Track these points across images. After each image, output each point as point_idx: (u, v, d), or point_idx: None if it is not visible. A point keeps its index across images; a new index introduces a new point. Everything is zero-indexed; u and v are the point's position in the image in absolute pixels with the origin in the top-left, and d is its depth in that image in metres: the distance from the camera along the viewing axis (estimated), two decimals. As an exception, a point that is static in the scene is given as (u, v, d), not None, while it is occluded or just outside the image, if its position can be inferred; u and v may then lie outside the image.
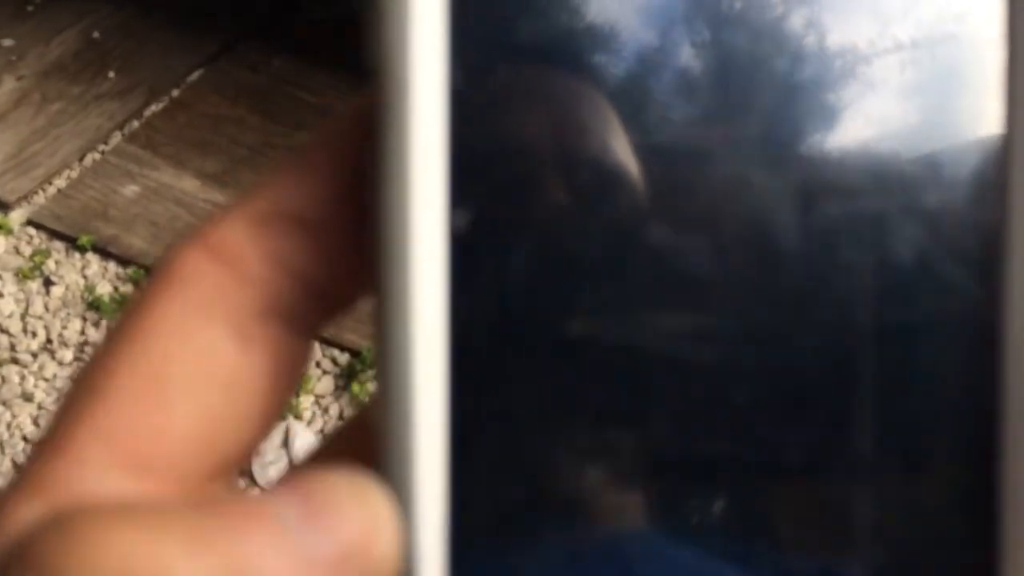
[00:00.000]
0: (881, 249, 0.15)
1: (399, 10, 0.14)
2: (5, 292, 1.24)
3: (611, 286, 0.14)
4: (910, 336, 0.15)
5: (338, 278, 0.15)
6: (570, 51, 0.14)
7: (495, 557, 0.14)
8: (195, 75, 1.51)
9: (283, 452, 1.07)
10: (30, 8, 1.60)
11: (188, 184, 1.35)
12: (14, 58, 1.53)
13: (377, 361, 0.14)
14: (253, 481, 1.01)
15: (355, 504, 0.14)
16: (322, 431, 1.10)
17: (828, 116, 0.15)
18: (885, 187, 0.15)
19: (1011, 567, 0.14)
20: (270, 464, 1.05)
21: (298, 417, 1.10)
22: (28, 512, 0.14)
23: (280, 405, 0.16)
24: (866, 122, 0.15)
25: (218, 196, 1.34)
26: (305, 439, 1.08)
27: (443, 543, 0.14)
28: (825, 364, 0.15)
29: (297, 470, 0.14)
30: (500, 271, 0.14)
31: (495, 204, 0.14)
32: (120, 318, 0.15)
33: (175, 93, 1.49)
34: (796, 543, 0.15)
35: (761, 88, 0.15)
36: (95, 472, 0.14)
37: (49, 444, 0.14)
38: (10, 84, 1.49)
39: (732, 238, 0.15)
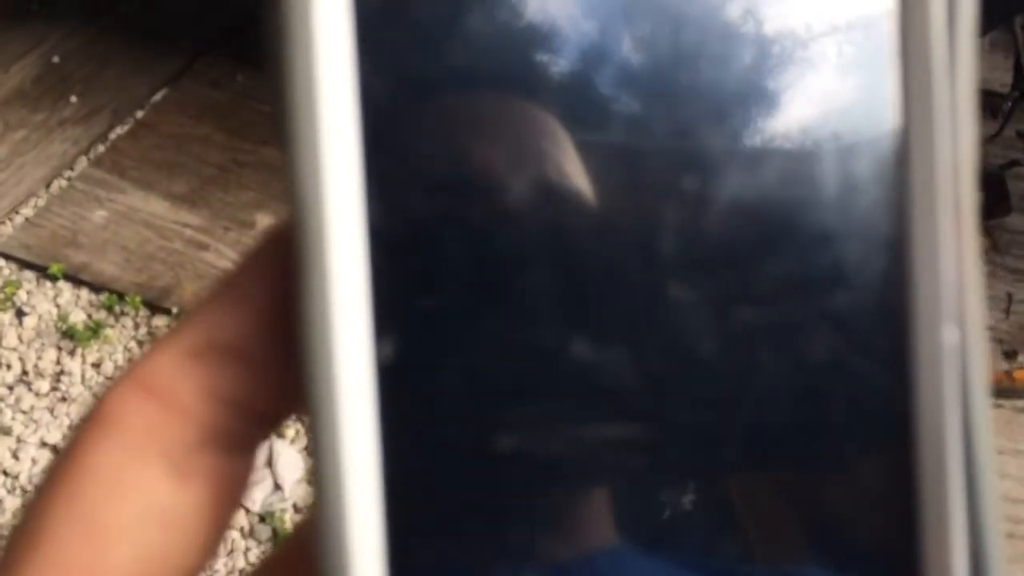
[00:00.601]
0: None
1: (312, 160, 0.14)
2: (-23, 325, 1.23)
3: (540, 401, 0.15)
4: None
5: (273, 400, 0.16)
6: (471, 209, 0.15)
7: None
8: (158, 95, 1.50)
9: (268, 472, 1.07)
10: (-13, 35, 1.58)
11: (157, 206, 1.34)
12: (-27, 87, 1.52)
13: (313, 481, 0.15)
14: (238, 503, 1.01)
15: None
16: (306, 450, 1.09)
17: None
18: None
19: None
20: (255, 484, 1.05)
21: (281, 436, 1.10)
22: None
23: (220, 528, 0.16)
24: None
25: (188, 217, 1.33)
26: (289, 457, 1.08)
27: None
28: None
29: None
30: (427, 395, 0.15)
31: (419, 332, 0.15)
32: (54, 462, 0.15)
33: (139, 115, 1.48)
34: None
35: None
36: None
37: None
38: (-30, 114, 1.48)
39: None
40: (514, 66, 0.15)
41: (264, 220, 1.33)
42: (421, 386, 0.15)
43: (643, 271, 0.15)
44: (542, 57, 0.15)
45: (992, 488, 0.15)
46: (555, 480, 0.15)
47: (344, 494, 0.14)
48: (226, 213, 1.34)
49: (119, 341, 1.21)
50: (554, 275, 0.15)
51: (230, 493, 0.16)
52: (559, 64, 0.15)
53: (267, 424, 0.16)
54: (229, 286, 0.16)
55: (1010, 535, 0.99)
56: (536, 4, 0.15)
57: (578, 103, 0.15)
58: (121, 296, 1.24)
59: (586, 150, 0.15)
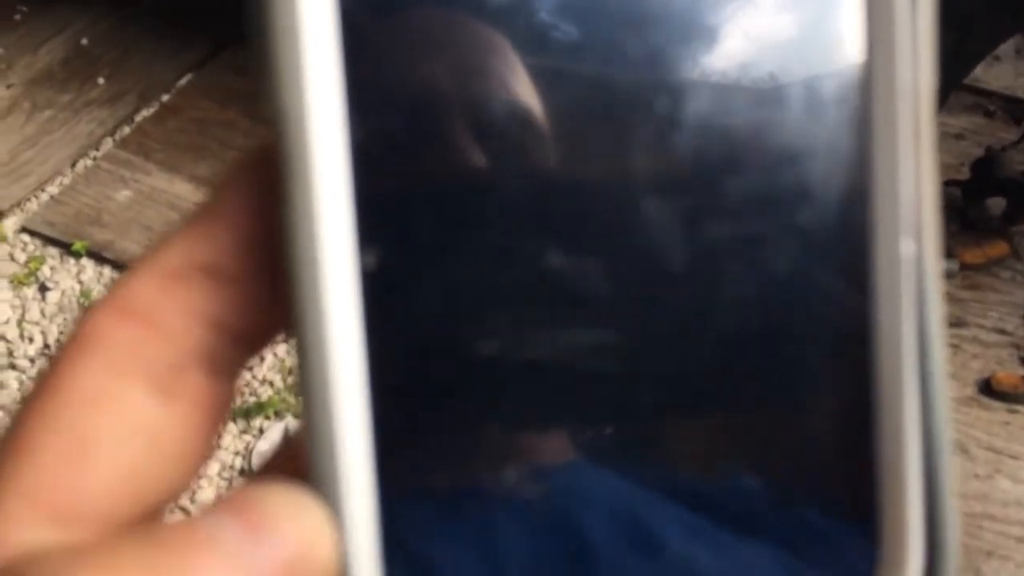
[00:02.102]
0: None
1: (293, 66, 0.14)
2: (1, 299, 1.24)
3: (515, 307, 0.15)
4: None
5: (254, 321, 0.16)
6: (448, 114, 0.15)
7: (423, 553, 0.15)
8: (184, 80, 1.52)
9: (283, 451, 1.08)
10: (17, 16, 1.60)
11: (181, 188, 1.35)
12: (3, 67, 1.53)
13: (299, 389, 0.15)
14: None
15: (292, 517, 0.14)
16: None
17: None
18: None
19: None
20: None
21: (297, 416, 1.10)
22: None
23: (205, 449, 0.16)
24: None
25: (211, 199, 1.34)
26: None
27: (374, 545, 0.15)
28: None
29: (235, 490, 0.15)
30: (410, 303, 0.15)
31: (401, 237, 0.15)
32: (37, 381, 0.15)
33: (165, 98, 1.49)
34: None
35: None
36: (22, 528, 0.14)
37: None
38: (-1, 92, 1.50)
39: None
40: None
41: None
42: (403, 293, 0.15)
43: (606, 184, 0.15)
44: None
45: (944, 393, 0.16)
46: (529, 384, 0.15)
47: (330, 399, 0.15)
48: (249, 197, 1.34)
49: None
50: (521, 185, 0.15)
51: (213, 415, 0.16)
52: None
53: (249, 346, 0.16)
54: (208, 209, 0.16)
55: (1020, 540, 0.99)
56: None
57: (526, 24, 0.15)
58: (143, 275, 1.24)
59: (541, 70, 0.15)
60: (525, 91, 0.15)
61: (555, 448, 0.16)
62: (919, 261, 0.15)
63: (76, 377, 0.15)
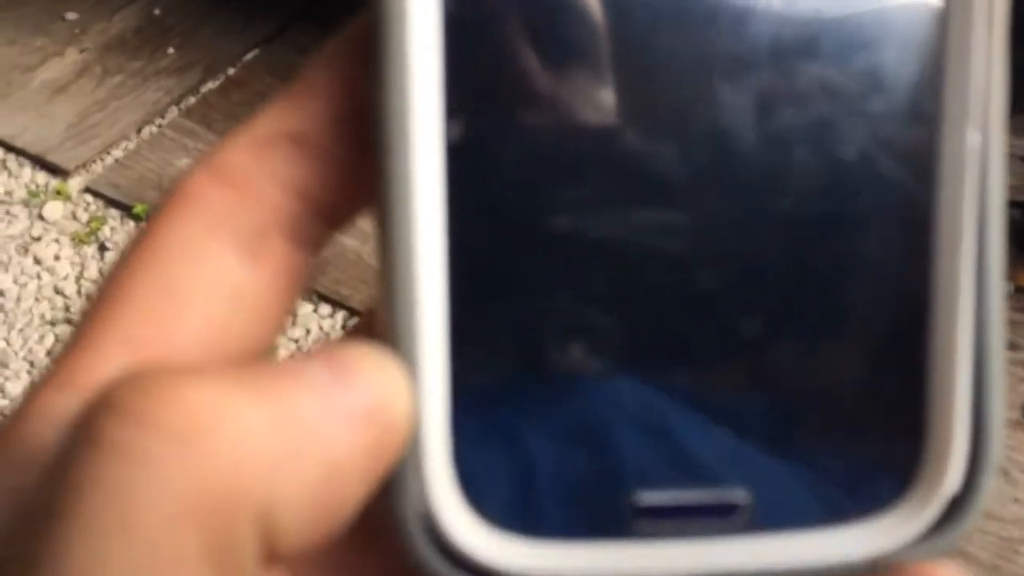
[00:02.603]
0: (816, 135, 0.16)
1: None
2: (62, 255, 1.28)
3: (592, 185, 0.16)
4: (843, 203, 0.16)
5: (339, 194, 0.16)
6: None
7: (490, 418, 0.16)
8: (250, 55, 1.54)
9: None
10: (94, -16, 1.64)
11: (240, 160, 1.38)
12: (77, 31, 1.57)
13: (380, 256, 0.16)
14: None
15: (374, 369, 0.15)
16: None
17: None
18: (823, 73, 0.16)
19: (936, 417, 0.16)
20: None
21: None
22: (59, 400, 0.15)
23: (284, 315, 0.17)
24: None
25: (269, 173, 1.36)
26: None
27: (445, 406, 0.16)
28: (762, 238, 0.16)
29: (323, 343, 0.16)
30: (493, 175, 0.16)
31: (488, 114, 0.16)
32: (134, 238, 0.16)
33: (231, 72, 1.52)
34: (744, 389, 0.16)
35: None
36: (114, 368, 0.15)
37: (75, 346, 0.16)
38: (73, 56, 1.53)
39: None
40: None
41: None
42: (486, 168, 0.16)
43: (683, 68, 0.16)
44: None
45: (999, 291, 0.16)
46: (600, 265, 0.16)
47: (412, 265, 0.15)
48: (306, 173, 1.36)
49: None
50: (602, 70, 0.16)
51: (293, 282, 0.17)
52: None
53: (333, 219, 0.17)
54: (303, 81, 0.16)
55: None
56: None
57: None
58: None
59: None
60: None
61: (618, 340, 0.16)
62: (984, 153, 0.15)
63: (170, 234, 0.16)
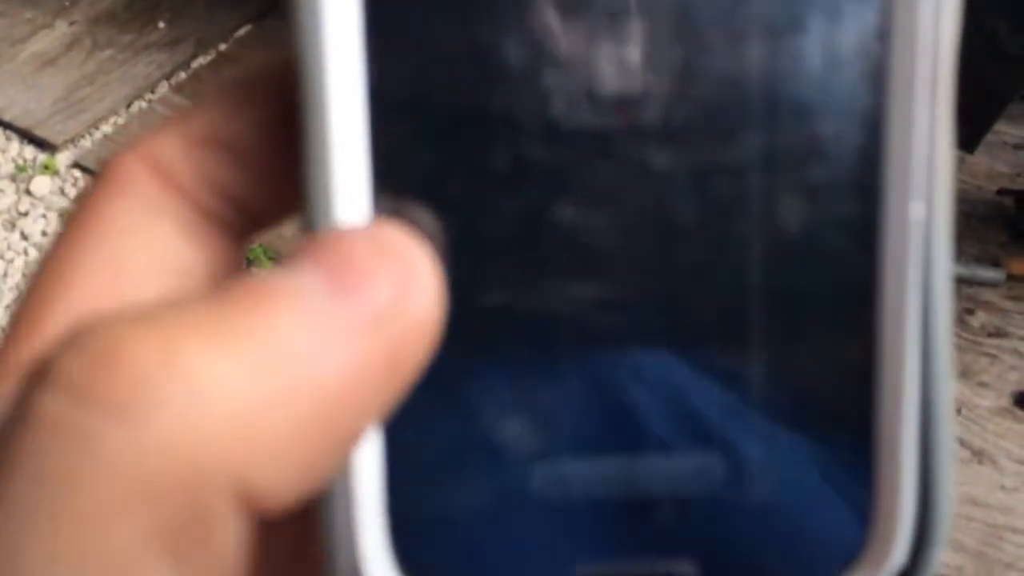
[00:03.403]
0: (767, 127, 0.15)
1: None
2: (49, 231, 1.27)
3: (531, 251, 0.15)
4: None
5: (265, 200, 0.16)
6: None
7: (427, 478, 0.15)
8: (242, 31, 1.53)
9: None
10: (84, -45, 1.62)
11: (231, 137, 1.37)
12: (67, 3, 1.56)
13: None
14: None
15: (382, 262, 0.13)
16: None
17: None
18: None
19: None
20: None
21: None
22: (2, 384, 0.14)
23: None
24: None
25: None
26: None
27: (380, 470, 0.15)
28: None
29: (322, 234, 0.14)
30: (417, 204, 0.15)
31: (412, 163, 0.15)
32: (72, 214, 0.15)
33: (222, 47, 1.50)
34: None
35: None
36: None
37: (20, 327, 0.14)
38: (62, 29, 1.52)
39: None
40: None
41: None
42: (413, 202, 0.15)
43: (618, 137, 0.15)
44: None
45: (947, 362, 0.15)
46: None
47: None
48: (297, 150, 1.35)
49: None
50: (537, 132, 0.15)
51: (229, 269, 0.16)
52: None
53: (257, 221, 0.16)
54: (240, 88, 0.16)
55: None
56: None
57: None
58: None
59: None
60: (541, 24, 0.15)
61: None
62: (929, 225, 0.15)
63: (111, 211, 0.15)
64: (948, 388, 0.15)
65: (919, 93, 0.15)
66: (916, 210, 0.15)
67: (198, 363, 0.12)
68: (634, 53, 0.15)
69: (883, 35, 0.15)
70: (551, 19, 0.15)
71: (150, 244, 0.15)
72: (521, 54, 0.15)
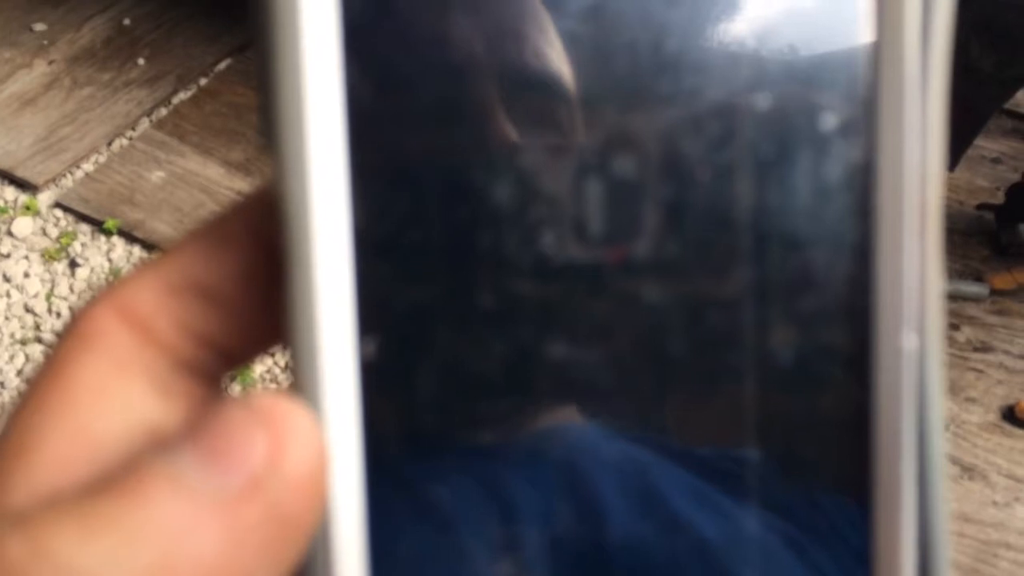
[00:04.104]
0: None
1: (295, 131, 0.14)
2: (31, 272, 1.26)
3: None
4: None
5: (242, 341, 0.16)
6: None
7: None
8: (222, 65, 1.53)
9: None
10: (62, -6, 1.62)
11: (213, 172, 1.37)
12: (45, 42, 1.55)
13: (293, 380, 0.15)
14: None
15: (256, 427, 0.13)
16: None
17: None
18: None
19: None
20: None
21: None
22: None
23: None
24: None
25: (242, 184, 1.35)
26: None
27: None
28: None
29: (196, 412, 0.14)
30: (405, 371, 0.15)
31: (399, 328, 0.15)
32: (40, 372, 0.15)
33: (203, 82, 1.50)
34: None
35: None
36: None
37: None
38: (41, 68, 1.51)
39: None
40: None
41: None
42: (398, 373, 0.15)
43: (606, 273, 0.15)
44: None
45: (942, 490, 0.15)
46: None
47: (321, 394, 0.15)
48: (280, 184, 1.35)
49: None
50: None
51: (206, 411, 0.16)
52: None
53: (235, 361, 0.16)
54: (216, 228, 0.16)
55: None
56: None
57: None
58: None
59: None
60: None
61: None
62: (921, 355, 0.15)
63: (79, 370, 0.15)
64: (946, 522, 0.15)
65: (907, 224, 0.15)
66: (908, 341, 0.15)
67: (67, 549, 0.12)
68: (622, 192, 0.15)
69: (871, 168, 0.15)
70: (537, 160, 0.15)
71: (119, 405, 0.15)
72: (508, 193, 0.15)
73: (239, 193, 1.36)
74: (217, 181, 1.36)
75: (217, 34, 1.56)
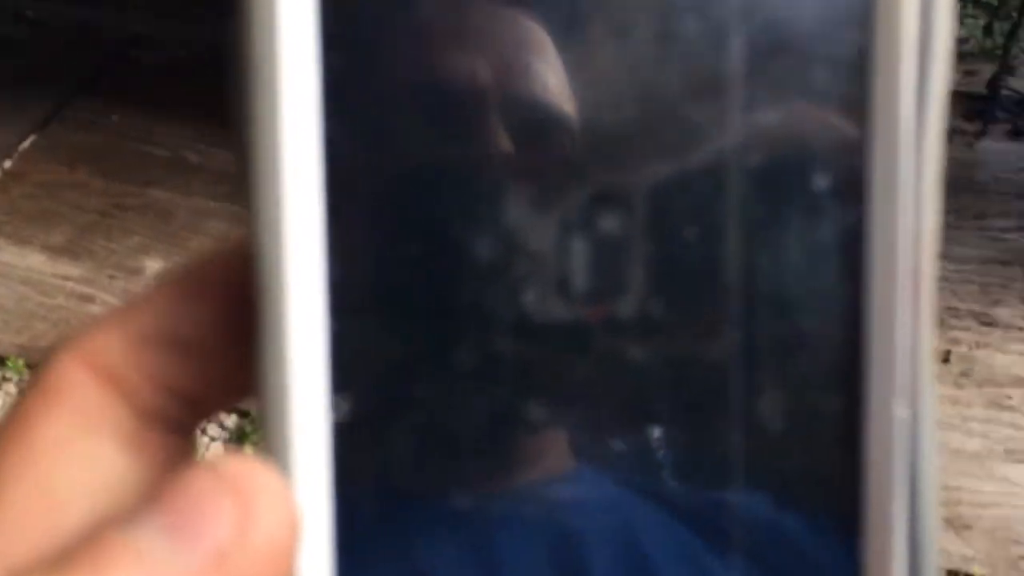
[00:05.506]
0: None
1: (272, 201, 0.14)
2: None
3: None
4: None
5: (214, 391, 0.16)
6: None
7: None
8: (26, 143, 1.42)
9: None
10: None
11: (34, 260, 1.27)
12: None
13: (261, 417, 0.15)
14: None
15: (222, 495, 0.13)
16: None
17: None
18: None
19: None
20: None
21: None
22: None
23: None
24: None
25: (69, 269, 1.26)
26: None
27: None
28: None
29: (160, 480, 0.14)
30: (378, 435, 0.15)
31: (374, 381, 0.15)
32: (4, 425, 0.15)
33: (7, 165, 1.39)
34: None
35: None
36: None
37: None
38: None
39: None
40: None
41: (154, 265, 1.26)
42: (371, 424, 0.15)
43: (591, 332, 0.15)
44: None
45: (934, 564, 0.15)
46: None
47: (292, 444, 0.14)
48: (111, 261, 1.27)
49: (2, 409, 1.12)
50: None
51: (175, 465, 0.15)
52: None
53: (205, 411, 0.16)
54: (187, 276, 0.16)
55: None
56: None
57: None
58: (2, 360, 1.15)
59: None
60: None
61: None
62: (913, 425, 0.15)
63: (42, 424, 0.15)
64: None
65: (901, 290, 0.15)
66: (900, 410, 0.15)
67: None
68: (608, 250, 0.15)
69: (863, 231, 0.15)
70: (519, 216, 0.15)
71: (82, 461, 0.15)
72: (489, 250, 0.15)
73: (67, 278, 1.28)
74: (40, 270, 1.25)
75: (15, 112, 1.45)
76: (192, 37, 1.53)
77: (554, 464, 0.15)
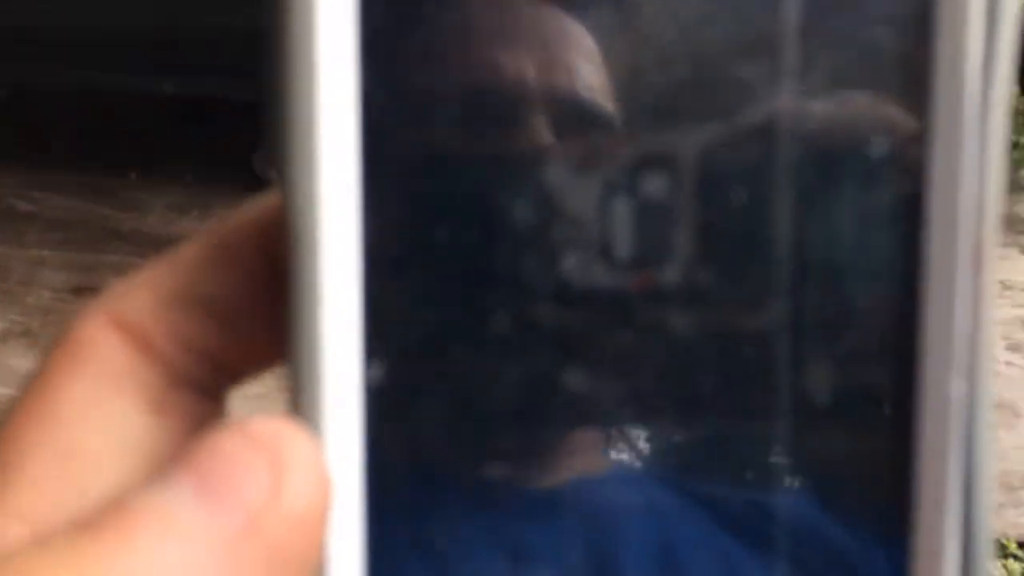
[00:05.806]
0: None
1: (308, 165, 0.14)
2: None
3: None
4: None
5: (245, 355, 0.16)
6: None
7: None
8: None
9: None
10: None
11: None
12: None
13: (291, 397, 0.14)
14: None
15: (253, 459, 0.13)
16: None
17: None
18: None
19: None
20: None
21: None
22: None
23: None
24: None
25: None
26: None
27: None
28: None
29: (194, 440, 0.14)
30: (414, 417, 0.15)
31: (407, 346, 0.15)
32: (28, 387, 0.15)
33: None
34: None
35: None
36: (5, 544, 0.13)
37: None
38: None
39: None
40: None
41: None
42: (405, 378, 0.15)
43: (633, 302, 0.15)
44: None
45: (987, 545, 0.15)
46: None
47: (324, 412, 0.14)
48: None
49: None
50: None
51: (204, 428, 0.15)
52: None
53: (235, 375, 0.16)
54: (218, 237, 0.16)
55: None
56: None
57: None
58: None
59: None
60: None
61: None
62: (970, 403, 0.15)
63: (68, 383, 0.15)
64: (988, 570, 0.15)
65: (961, 263, 0.14)
66: (957, 388, 0.14)
67: None
68: (652, 215, 0.15)
69: (923, 200, 0.14)
70: (561, 179, 0.15)
71: (108, 422, 0.15)
72: (529, 214, 0.15)
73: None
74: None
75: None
76: (18, 75, 1.36)
77: (588, 437, 0.15)
